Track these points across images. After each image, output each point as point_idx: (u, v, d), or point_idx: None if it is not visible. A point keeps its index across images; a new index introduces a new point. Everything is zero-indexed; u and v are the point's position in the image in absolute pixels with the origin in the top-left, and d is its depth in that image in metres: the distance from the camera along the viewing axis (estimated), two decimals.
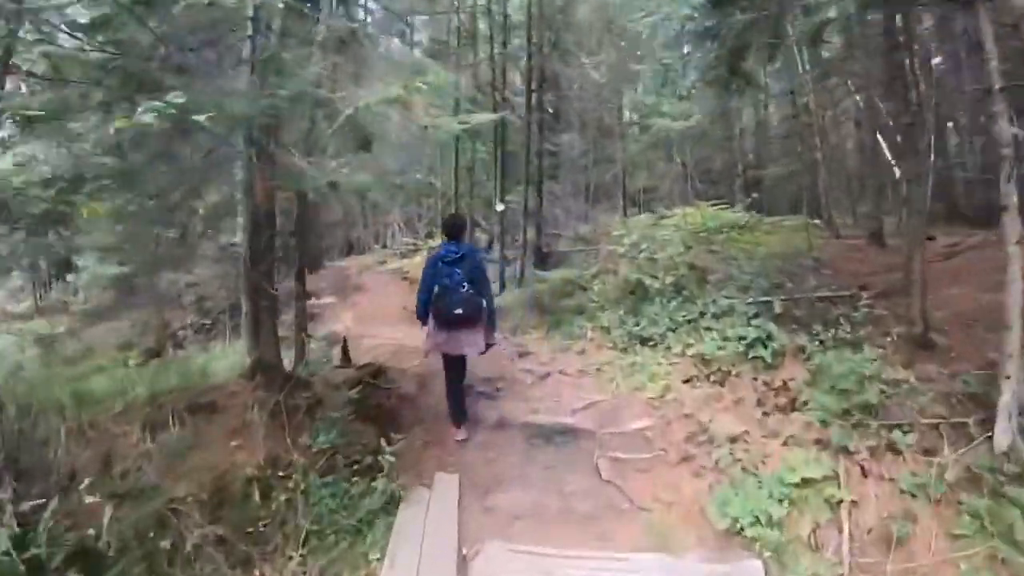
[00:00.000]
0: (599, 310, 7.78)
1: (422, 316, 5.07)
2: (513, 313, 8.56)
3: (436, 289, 4.93)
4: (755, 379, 5.33)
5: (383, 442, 4.48)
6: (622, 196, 15.92)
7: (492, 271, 8.65)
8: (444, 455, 5.01)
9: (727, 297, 6.77)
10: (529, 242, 10.92)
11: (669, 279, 7.44)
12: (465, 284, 4.89)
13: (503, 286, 9.77)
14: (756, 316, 6.15)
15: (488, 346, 5.14)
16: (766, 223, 11.40)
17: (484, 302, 4.99)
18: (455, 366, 5.25)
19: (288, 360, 5.63)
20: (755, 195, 13.26)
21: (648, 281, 7.53)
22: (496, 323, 5.37)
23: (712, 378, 5.60)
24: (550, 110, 13.60)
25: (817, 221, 11.05)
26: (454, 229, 5.15)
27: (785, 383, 5.10)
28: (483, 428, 5.42)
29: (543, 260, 11.37)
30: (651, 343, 6.69)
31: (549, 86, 12.32)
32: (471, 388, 5.92)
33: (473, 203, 10.95)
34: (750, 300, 6.58)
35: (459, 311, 4.84)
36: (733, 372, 5.52)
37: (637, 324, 7.06)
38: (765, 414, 4.83)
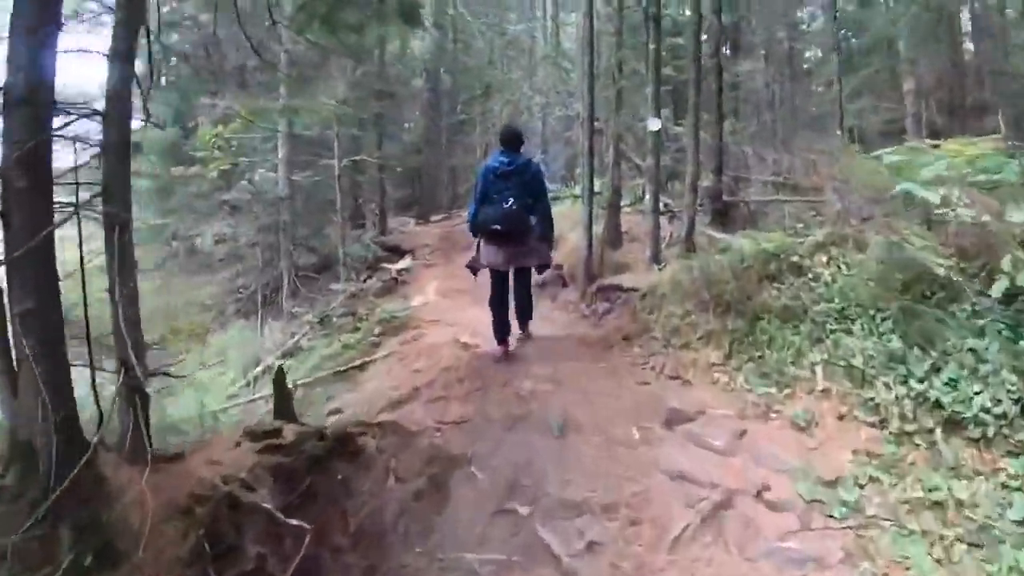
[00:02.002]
0: (837, 322, 3.88)
1: (472, 230, 4.85)
2: (667, 308, 4.77)
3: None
4: None
5: None
6: (840, 126, 11.15)
7: (644, 225, 6.76)
8: None
9: None
10: (702, 189, 7.10)
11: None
12: (511, 199, 4.54)
13: (656, 255, 6.24)
14: None
15: (542, 267, 4.97)
16: None
17: (532, 218, 4.63)
18: (500, 282, 4.86)
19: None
20: None
21: (945, 271, 3.77)
22: (553, 239, 5.09)
23: None
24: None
25: None
26: (510, 140, 4.76)
27: None
28: None
29: (723, 215, 7.31)
30: (965, 428, 3.05)
31: None
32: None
33: (617, 126, 7.40)
34: None
35: (497, 226, 4.55)
36: None
37: (928, 374, 3.30)
38: None
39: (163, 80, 12.82)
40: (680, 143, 8.65)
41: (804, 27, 15.64)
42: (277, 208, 10.01)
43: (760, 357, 3.94)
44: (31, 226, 2.22)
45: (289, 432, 3.03)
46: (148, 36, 3.10)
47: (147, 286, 10.14)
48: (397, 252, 10.60)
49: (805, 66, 15.39)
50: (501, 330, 4.84)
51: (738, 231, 6.41)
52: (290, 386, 4.21)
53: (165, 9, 9.79)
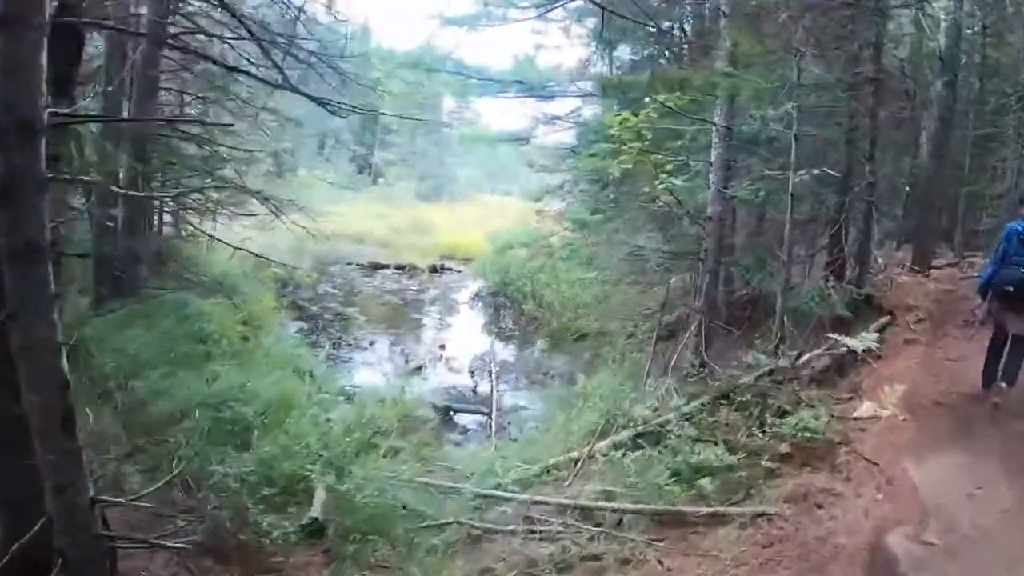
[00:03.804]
0: None
1: (981, 290, 5.02)
2: None
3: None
4: None
5: None
6: None
7: None
8: None
9: None
10: None
11: None
12: None
13: None
14: None
15: None
16: None
17: None
18: (999, 341, 4.83)
19: None
20: None
21: None
22: None
23: None
24: None
25: None
26: None
27: None
28: None
29: None
30: None
31: None
32: None
33: None
34: None
35: (1009, 288, 4.64)
36: None
37: None
38: None
39: None
40: None
41: None
42: (701, 228, 7.76)
43: None
44: None
45: None
46: None
47: None
48: (870, 310, 7.37)
49: None
50: (991, 372, 4.86)
51: None
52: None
53: None
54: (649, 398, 6.60)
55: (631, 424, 6.12)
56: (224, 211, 11.27)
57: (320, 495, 4.86)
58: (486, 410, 9.32)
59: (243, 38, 8.87)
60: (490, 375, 11.09)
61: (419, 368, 11.36)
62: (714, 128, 7.44)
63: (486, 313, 16.04)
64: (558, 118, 14.60)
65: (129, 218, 7.31)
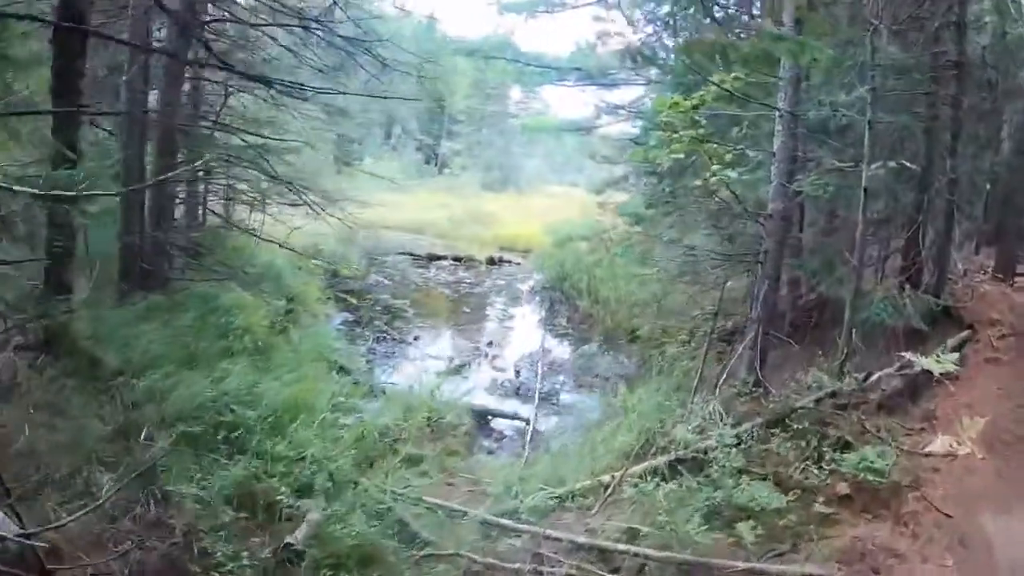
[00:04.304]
0: None
1: None
2: None
3: None
4: None
5: None
6: None
7: None
8: None
9: None
10: None
11: None
12: None
13: None
14: None
15: None
16: None
17: None
18: None
19: None
20: None
21: None
22: None
23: None
24: None
25: None
26: None
27: None
28: None
29: None
30: None
31: None
32: None
33: None
34: None
35: None
36: None
37: None
38: None
39: None
40: None
41: None
42: (761, 227, 6.69)
43: None
44: None
45: None
46: None
47: None
48: (948, 323, 6.54)
49: None
50: None
51: None
52: None
53: None
54: (695, 417, 5.77)
55: (671, 447, 5.34)
56: (270, 201, 11.16)
57: (313, 517, 4.40)
58: (525, 416, 8.70)
59: (280, 24, 8.67)
60: (535, 376, 10.47)
61: (462, 366, 10.86)
62: (777, 114, 6.38)
63: (540, 308, 15.38)
64: (620, 107, 13.76)
65: (157, 210, 7.13)
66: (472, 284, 17.32)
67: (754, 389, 6.05)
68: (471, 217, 24.27)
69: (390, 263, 17.87)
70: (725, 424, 5.27)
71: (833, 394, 5.26)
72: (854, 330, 5.76)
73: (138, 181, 6.64)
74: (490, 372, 10.84)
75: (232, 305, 7.87)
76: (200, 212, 10.67)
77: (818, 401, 5.24)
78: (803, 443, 4.88)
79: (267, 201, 11.33)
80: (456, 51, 15.59)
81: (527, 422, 8.50)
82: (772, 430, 5.18)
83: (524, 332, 13.64)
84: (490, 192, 29.92)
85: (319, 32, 8.65)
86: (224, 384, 5.63)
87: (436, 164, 33.94)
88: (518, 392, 9.94)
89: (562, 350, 12.23)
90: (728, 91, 5.57)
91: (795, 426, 5.02)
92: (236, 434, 5.15)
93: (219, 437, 4.96)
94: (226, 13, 8.30)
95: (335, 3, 8.69)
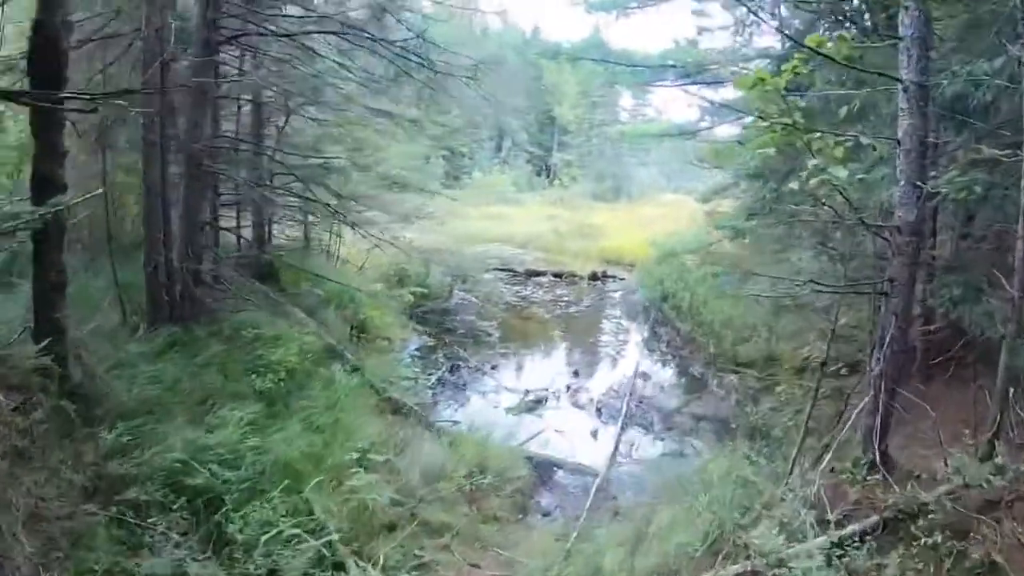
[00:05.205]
0: None
1: None
2: None
3: None
4: None
5: None
6: None
7: None
8: None
9: None
10: None
11: None
12: None
13: None
14: None
15: None
16: None
17: None
18: None
19: None
20: None
21: None
22: None
23: None
24: None
25: None
26: None
27: None
28: None
29: None
30: None
31: None
32: None
33: None
34: None
35: None
36: None
37: None
38: None
39: None
40: None
41: None
42: (885, 243, 4.76)
43: None
44: None
45: None
46: None
47: None
48: None
49: None
50: None
51: None
52: None
53: None
54: (788, 504, 4.15)
55: (745, 554, 3.81)
56: (340, 220, 10.72)
57: None
58: (594, 470, 7.33)
59: (326, 32, 8.13)
60: (619, 414, 9.05)
61: (538, 401, 9.67)
62: (900, 87, 4.45)
63: (638, 332, 13.79)
64: (725, 105, 12.01)
65: (187, 237, 6.74)
66: (569, 303, 16.05)
67: (872, 470, 4.26)
68: (577, 229, 23.06)
69: (486, 280, 17.04)
70: (819, 538, 3.63)
71: (980, 486, 3.45)
72: (1011, 389, 3.90)
73: (160, 207, 6.26)
74: (569, 410, 9.56)
75: (273, 336, 7.32)
76: (266, 231, 10.45)
77: (954, 497, 3.46)
78: (934, 557, 3.18)
79: (344, 221, 10.93)
80: (540, 55, 14.67)
81: (595, 477, 7.14)
82: (890, 535, 3.50)
83: (618, 359, 12.17)
84: (601, 202, 28.54)
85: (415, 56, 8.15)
86: (210, 437, 4.93)
87: (547, 175, 33.11)
88: (595, 436, 8.58)
89: (656, 382, 10.62)
90: (828, 56, 3.92)
91: (923, 537, 3.30)
92: (203, 499, 4.42)
93: (176, 505, 4.22)
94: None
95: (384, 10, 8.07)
